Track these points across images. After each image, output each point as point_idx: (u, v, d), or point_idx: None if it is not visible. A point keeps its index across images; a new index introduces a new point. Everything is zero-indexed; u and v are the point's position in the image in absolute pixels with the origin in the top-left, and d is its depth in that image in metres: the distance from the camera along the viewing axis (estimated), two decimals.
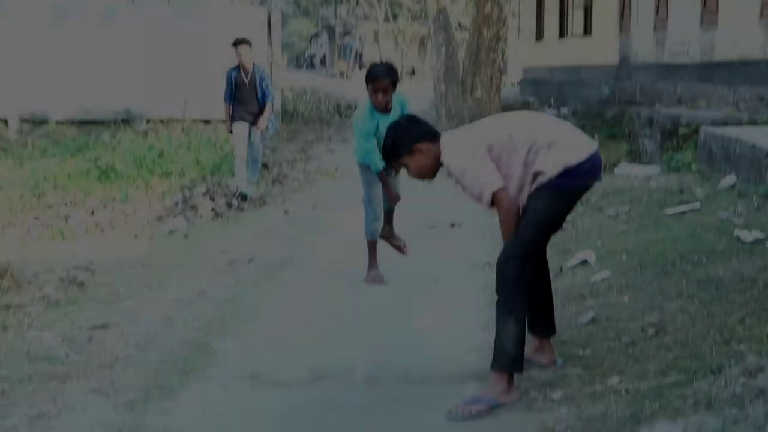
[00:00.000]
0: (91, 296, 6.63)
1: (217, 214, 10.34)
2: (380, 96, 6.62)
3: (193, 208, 10.55)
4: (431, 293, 6.82)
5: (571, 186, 4.35)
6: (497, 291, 4.40)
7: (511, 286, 4.33)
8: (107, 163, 12.88)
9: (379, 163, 6.66)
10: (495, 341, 4.38)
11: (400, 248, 7.45)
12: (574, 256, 7.03)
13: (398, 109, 6.79)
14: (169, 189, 11.73)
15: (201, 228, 9.71)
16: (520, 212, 4.39)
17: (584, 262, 6.87)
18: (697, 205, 8.01)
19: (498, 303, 4.39)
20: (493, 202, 4.33)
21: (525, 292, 4.38)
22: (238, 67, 11.03)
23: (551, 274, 4.99)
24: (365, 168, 7.00)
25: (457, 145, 4.44)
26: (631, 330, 5.10)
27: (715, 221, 7.29)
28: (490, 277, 6.58)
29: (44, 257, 8.07)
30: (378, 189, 7.06)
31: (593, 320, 5.44)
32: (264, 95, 11.06)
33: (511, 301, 4.33)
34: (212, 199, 10.95)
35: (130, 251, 8.37)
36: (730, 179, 8.73)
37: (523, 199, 4.38)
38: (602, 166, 4.52)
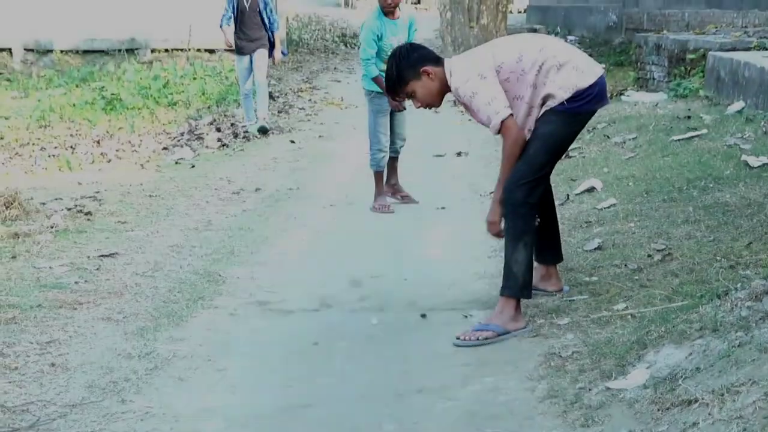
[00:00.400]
0: (99, 225, 6.64)
1: (223, 144, 10.33)
2: None
3: (199, 138, 10.53)
4: (438, 221, 6.83)
5: (581, 110, 4.31)
6: (506, 217, 4.40)
7: (521, 211, 4.33)
8: (113, 93, 12.85)
9: (375, 70, 6.72)
10: (504, 267, 4.39)
11: (406, 198, 7.41)
12: (581, 184, 7.01)
13: (406, 23, 6.94)
14: (174, 119, 11.72)
15: (207, 158, 9.70)
16: (528, 137, 4.36)
17: (591, 190, 6.86)
18: (705, 131, 7.96)
19: (507, 229, 4.39)
20: (501, 129, 4.30)
21: (534, 217, 4.37)
22: None
23: (558, 202, 4.98)
24: (371, 96, 7.00)
25: (464, 68, 4.37)
26: (638, 256, 5.10)
27: (722, 147, 7.26)
28: None
29: (51, 187, 8.08)
30: (384, 119, 7.06)
31: (600, 247, 5.44)
32: (270, 22, 10.77)
33: (520, 226, 4.33)
34: (218, 129, 10.93)
35: (136, 181, 8.37)
36: (737, 105, 8.66)
37: (531, 123, 4.34)
38: (607, 89, 4.49)
